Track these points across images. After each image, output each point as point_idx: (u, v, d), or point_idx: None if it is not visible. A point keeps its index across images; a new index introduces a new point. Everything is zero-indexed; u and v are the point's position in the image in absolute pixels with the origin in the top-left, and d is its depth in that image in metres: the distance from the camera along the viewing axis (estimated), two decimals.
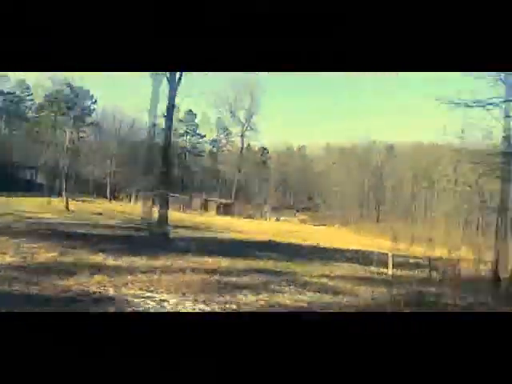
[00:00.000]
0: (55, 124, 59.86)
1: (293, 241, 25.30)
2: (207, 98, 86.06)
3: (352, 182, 68.93)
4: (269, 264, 13.09)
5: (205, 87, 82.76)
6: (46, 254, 10.61)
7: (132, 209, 45.90)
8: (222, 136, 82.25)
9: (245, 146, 76.69)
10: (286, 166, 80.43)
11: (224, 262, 12.19)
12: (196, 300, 7.40)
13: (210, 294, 7.86)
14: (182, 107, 61.85)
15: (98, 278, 8.31)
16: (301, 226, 51.84)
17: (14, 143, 56.87)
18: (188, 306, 6.96)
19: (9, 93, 64.11)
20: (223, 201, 62.05)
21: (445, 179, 60.66)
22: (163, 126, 20.87)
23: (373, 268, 14.60)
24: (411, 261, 14.48)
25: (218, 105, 73.99)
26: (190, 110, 76.11)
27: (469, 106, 12.86)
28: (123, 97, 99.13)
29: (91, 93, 64.80)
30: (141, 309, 6.48)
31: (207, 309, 6.91)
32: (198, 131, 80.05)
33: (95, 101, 66.99)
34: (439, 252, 14.99)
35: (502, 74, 12.04)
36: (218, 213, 57.53)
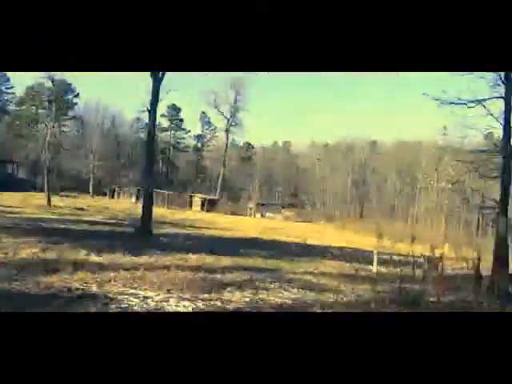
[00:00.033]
0: (36, 117, 58.85)
1: (277, 238, 25.32)
2: (192, 92, 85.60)
3: (337, 178, 69.54)
4: (254, 261, 13.06)
5: (190, 82, 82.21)
6: (27, 249, 10.42)
7: (115, 204, 45.51)
8: (206, 131, 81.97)
9: (229, 141, 76.56)
10: (271, 162, 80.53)
11: (208, 259, 12.13)
12: (180, 297, 7.34)
13: (194, 291, 7.81)
14: (166, 102, 61.43)
15: (80, 274, 8.19)
16: (286, 222, 51.92)
17: None
18: (172, 303, 6.89)
19: None
20: (208, 197, 61.76)
21: (428, 178, 61.61)
22: (146, 121, 20.47)
23: (357, 265, 14.69)
24: (395, 258, 14.59)
25: (203, 99, 73.77)
26: (174, 105, 75.67)
27: (457, 104, 13.04)
28: (107, 91, 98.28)
29: (72, 86, 63.96)
30: (124, 305, 6.40)
31: (192, 306, 6.85)
32: (182, 126, 79.72)
33: (77, 94, 66.13)
34: (423, 249, 15.15)
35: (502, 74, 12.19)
36: (203, 209, 57.28)
